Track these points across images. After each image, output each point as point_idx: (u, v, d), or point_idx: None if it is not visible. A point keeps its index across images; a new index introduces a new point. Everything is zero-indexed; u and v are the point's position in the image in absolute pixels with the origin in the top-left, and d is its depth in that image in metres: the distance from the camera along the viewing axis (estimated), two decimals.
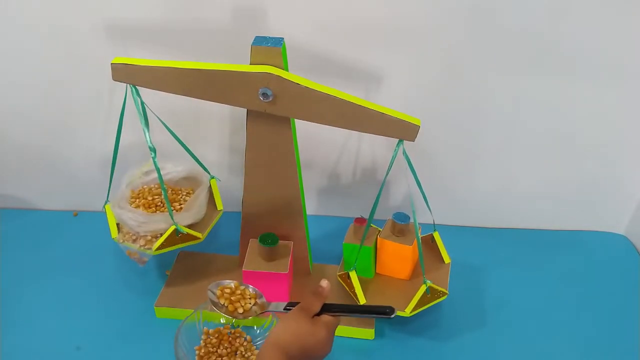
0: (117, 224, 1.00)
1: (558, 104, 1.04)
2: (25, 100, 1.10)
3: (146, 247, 0.97)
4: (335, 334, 0.89)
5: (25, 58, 1.05)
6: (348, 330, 0.97)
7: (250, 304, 0.85)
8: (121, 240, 0.98)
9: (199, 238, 0.98)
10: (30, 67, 1.06)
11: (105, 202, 1.01)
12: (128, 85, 0.86)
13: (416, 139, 0.83)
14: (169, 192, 1.04)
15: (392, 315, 0.73)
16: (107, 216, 1.00)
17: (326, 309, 0.75)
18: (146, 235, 0.97)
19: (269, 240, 0.97)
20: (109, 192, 1.01)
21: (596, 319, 1.01)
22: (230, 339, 0.94)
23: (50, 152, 1.17)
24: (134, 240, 0.97)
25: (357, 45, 0.99)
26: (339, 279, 0.99)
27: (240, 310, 0.84)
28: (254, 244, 1.00)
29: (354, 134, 1.11)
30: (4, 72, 1.07)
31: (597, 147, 1.08)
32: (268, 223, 1.00)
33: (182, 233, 0.96)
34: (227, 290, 0.86)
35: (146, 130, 0.89)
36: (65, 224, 1.21)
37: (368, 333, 0.97)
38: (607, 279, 1.09)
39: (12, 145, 1.17)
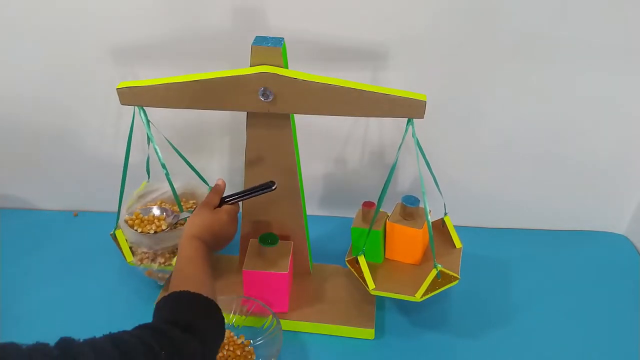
0: (130, 248, 1.00)
1: (559, 104, 1.04)
2: (27, 103, 1.11)
3: (166, 264, 0.98)
4: (335, 334, 0.96)
5: (28, 66, 1.06)
6: (348, 330, 0.97)
7: (160, 225, 0.96)
8: (139, 263, 0.99)
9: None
10: (32, 74, 1.07)
11: (115, 228, 1.00)
12: (135, 107, 0.88)
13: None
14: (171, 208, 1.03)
15: (274, 187, 0.87)
16: (119, 242, 1.00)
17: (225, 200, 0.88)
18: (164, 253, 0.98)
19: (269, 240, 0.97)
20: (118, 216, 1.00)
21: (596, 319, 1.01)
22: (230, 341, 0.95)
23: (51, 153, 1.18)
24: (153, 260, 0.99)
25: (358, 42, 0.99)
26: (348, 264, 0.97)
27: (152, 231, 0.96)
28: (254, 244, 1.00)
29: (356, 132, 1.11)
30: (7, 79, 1.08)
31: (597, 148, 1.08)
32: (268, 223, 1.00)
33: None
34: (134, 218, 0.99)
35: (157, 150, 0.91)
36: (65, 224, 1.21)
37: (368, 333, 0.96)
38: (607, 279, 1.09)
39: (13, 146, 1.17)
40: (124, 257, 1.00)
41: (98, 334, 0.94)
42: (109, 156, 1.15)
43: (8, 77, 1.08)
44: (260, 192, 0.88)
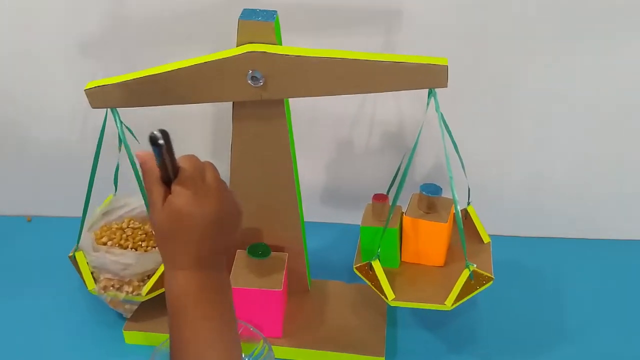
0: (92, 273, 0.93)
1: (603, 96, 0.99)
2: None
3: (134, 293, 0.91)
4: None
5: None
6: (353, 358, 0.90)
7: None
8: (103, 292, 0.92)
9: None
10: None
11: (75, 249, 0.94)
12: (108, 109, 0.84)
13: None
14: (137, 230, 0.99)
15: (160, 142, 0.56)
16: (79, 266, 0.93)
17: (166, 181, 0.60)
18: (132, 280, 0.92)
19: (260, 251, 0.92)
20: (80, 236, 0.94)
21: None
22: None
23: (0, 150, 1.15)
24: (119, 288, 0.92)
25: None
26: (357, 272, 0.91)
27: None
28: (241, 256, 0.94)
29: (357, 129, 1.08)
30: None
31: None
32: (258, 231, 0.95)
33: None
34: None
35: (131, 153, 0.84)
36: (17, 231, 1.18)
37: None
38: None
39: None
40: (85, 283, 0.93)
41: (50, 355, 0.92)
42: (67, 154, 1.12)
43: None
44: (165, 153, 0.60)
